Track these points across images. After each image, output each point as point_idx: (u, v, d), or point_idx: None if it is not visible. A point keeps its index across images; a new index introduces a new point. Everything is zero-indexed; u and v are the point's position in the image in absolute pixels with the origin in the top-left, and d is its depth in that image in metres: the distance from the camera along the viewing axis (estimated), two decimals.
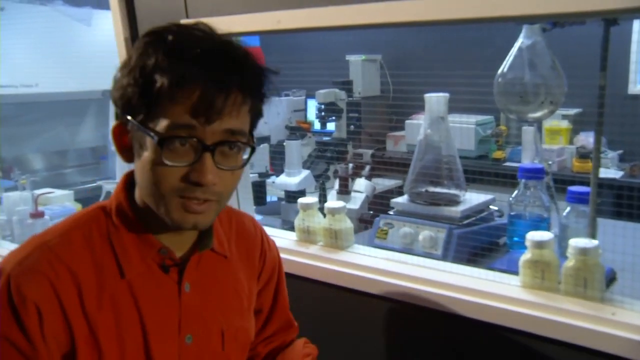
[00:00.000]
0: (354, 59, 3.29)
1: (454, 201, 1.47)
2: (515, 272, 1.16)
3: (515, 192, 1.37)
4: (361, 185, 1.85)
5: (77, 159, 3.21)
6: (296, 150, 2.05)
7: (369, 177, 1.92)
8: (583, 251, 1.06)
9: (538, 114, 1.39)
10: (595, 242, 1.07)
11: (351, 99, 2.74)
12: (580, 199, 1.27)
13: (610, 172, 2.65)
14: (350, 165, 1.97)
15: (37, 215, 1.87)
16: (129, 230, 0.83)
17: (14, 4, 2.83)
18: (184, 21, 0.79)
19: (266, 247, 1.03)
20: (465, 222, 1.43)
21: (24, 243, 0.81)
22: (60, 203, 2.19)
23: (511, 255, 1.37)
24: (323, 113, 2.38)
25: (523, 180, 1.36)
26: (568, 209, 1.31)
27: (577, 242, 1.07)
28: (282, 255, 1.09)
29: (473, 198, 1.49)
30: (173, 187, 0.76)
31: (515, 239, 1.38)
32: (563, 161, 2.80)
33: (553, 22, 1.29)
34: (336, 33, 2.56)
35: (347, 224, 1.42)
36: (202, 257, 0.89)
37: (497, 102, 1.42)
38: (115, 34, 1.61)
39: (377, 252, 1.38)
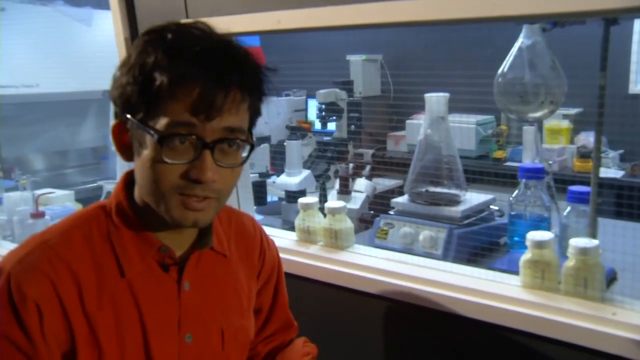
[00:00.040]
0: (355, 59, 3.29)
1: (454, 201, 1.47)
2: (515, 272, 1.16)
3: (516, 192, 1.37)
4: (361, 185, 1.84)
5: (78, 159, 3.21)
6: (297, 150, 2.05)
7: (369, 177, 1.92)
8: (583, 251, 1.06)
9: (538, 114, 1.39)
10: (595, 242, 1.07)
11: (352, 98, 2.74)
12: (581, 198, 1.27)
13: (610, 171, 2.65)
14: (351, 165, 1.97)
15: (38, 215, 1.87)
16: (129, 229, 0.83)
17: (15, 4, 2.83)
18: (184, 21, 0.80)
19: (265, 246, 1.03)
20: (466, 222, 1.43)
21: (24, 242, 0.81)
22: (61, 203, 2.19)
23: (511, 255, 1.37)
24: (324, 113, 2.38)
25: (523, 180, 1.36)
26: (568, 208, 1.30)
27: (577, 242, 1.07)
28: (283, 255, 1.09)
29: (473, 198, 1.49)
30: (173, 184, 0.76)
31: (516, 238, 1.38)
32: (564, 161, 2.79)
33: (553, 22, 1.29)
34: (336, 33, 2.57)
35: (348, 224, 1.42)
36: (202, 256, 0.89)
37: (497, 102, 1.42)
38: (115, 34, 1.62)
39: (378, 252, 1.38)
